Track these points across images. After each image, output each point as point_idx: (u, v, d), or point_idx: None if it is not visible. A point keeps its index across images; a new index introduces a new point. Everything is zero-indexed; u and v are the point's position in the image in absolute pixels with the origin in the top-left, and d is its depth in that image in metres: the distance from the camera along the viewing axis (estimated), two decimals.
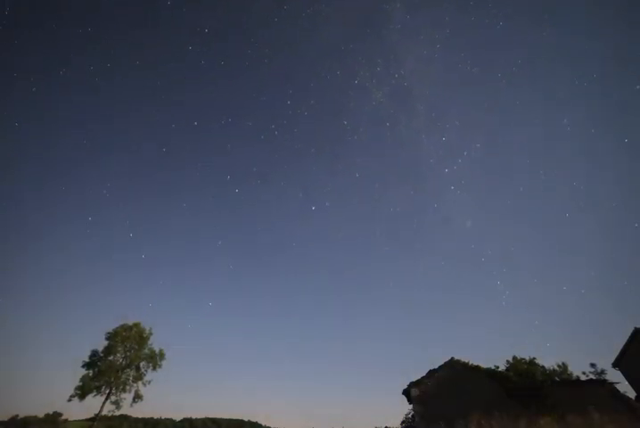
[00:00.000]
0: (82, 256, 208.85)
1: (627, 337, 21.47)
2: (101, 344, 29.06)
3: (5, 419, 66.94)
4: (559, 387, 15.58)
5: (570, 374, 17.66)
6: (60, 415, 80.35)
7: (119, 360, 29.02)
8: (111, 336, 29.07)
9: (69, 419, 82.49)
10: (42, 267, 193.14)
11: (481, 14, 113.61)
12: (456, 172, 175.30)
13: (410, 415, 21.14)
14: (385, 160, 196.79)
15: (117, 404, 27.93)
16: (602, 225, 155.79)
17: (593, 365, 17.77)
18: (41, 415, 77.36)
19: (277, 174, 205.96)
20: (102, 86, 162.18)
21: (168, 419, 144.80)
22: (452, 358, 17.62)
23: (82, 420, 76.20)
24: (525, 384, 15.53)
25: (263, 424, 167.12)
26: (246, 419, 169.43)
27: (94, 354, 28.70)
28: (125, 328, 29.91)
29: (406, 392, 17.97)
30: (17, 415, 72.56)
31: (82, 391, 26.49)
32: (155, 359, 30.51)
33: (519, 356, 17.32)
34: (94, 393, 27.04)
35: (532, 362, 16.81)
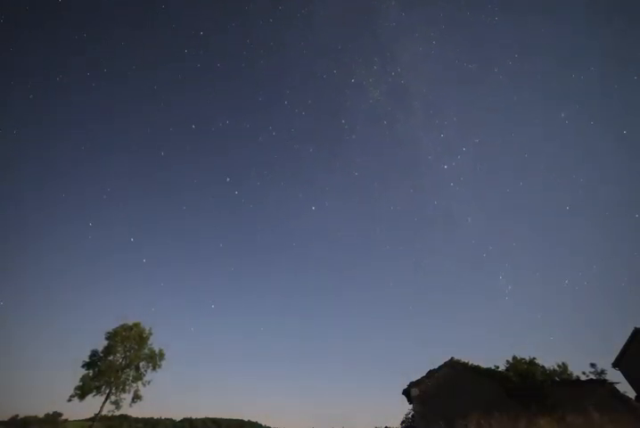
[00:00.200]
0: (82, 256, 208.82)
1: (627, 337, 21.49)
2: (101, 344, 29.14)
3: (5, 419, 66.95)
4: (559, 387, 15.57)
5: (570, 374, 17.62)
6: (60, 415, 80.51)
7: (119, 360, 29.04)
8: (111, 336, 29.08)
9: (69, 419, 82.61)
10: (42, 267, 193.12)
11: (476, 9, 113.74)
12: (455, 168, 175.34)
13: (410, 415, 21.13)
14: (384, 158, 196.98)
15: (117, 404, 27.97)
16: (602, 219, 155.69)
17: (593, 365, 17.74)
18: (41, 415, 77.48)
19: (276, 174, 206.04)
20: (102, 87, 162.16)
21: (168, 419, 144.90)
22: (452, 358, 17.61)
23: (82, 420, 76.26)
24: (525, 384, 15.51)
25: (263, 424, 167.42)
26: (246, 419, 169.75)
27: (94, 354, 28.71)
28: (125, 328, 29.93)
29: (406, 392, 17.96)
30: (17, 415, 72.57)
31: (82, 391, 26.49)
32: (155, 359, 30.54)
33: (519, 356, 17.28)
34: (94, 393, 27.05)
35: (532, 362, 16.78)
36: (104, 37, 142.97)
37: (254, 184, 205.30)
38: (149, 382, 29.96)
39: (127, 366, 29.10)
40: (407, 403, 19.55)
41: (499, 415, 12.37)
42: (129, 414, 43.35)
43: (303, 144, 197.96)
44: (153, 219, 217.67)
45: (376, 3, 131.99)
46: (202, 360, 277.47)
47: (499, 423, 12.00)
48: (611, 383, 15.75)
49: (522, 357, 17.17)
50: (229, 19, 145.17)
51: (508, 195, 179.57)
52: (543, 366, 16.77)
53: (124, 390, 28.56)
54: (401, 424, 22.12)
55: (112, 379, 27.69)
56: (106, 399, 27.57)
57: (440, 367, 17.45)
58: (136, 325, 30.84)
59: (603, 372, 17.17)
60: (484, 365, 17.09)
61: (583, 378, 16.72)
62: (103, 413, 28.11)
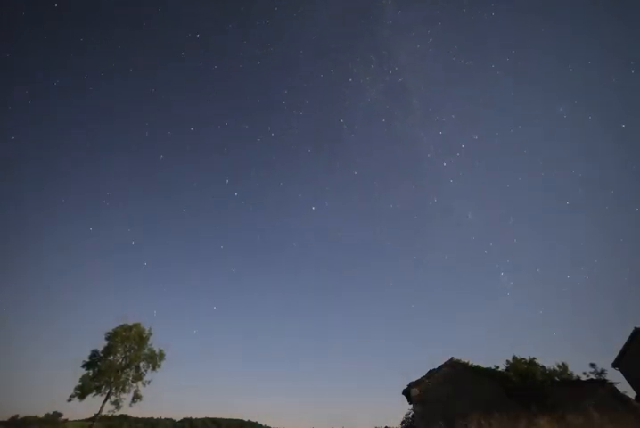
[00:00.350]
0: (82, 256, 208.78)
1: (627, 337, 21.50)
2: (101, 344, 29.11)
3: (5, 419, 66.98)
4: (559, 387, 15.58)
5: (570, 374, 17.62)
6: (60, 415, 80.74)
7: (119, 360, 29.04)
8: (111, 336, 29.08)
9: (69, 419, 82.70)
10: (42, 267, 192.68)
11: (473, 6, 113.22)
12: (455, 165, 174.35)
13: (410, 415, 21.13)
14: (383, 156, 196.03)
15: (116, 404, 27.95)
16: (602, 213, 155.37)
17: (593, 365, 17.73)
18: (41, 415, 77.65)
19: (276, 175, 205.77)
20: (102, 87, 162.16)
21: (168, 419, 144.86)
22: (452, 358, 17.62)
23: (82, 420, 76.28)
24: (525, 384, 15.52)
25: (263, 424, 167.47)
26: (246, 419, 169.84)
27: (94, 354, 28.71)
28: (125, 328, 29.93)
29: (406, 392, 17.97)
30: (17, 415, 72.69)
31: (82, 391, 26.49)
32: (155, 360, 30.54)
33: (519, 356, 17.29)
34: (94, 393, 27.04)
35: (532, 362, 16.78)
36: (104, 38, 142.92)
37: (253, 185, 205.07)
38: (149, 382, 29.99)
39: (127, 366, 29.10)
40: (407, 403, 19.57)
41: (499, 415, 12.38)
42: (129, 414, 43.52)
43: (302, 145, 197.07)
44: (153, 220, 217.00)
45: (372, 1, 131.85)
46: (202, 360, 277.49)
47: (499, 423, 12.01)
48: (611, 383, 15.76)
49: (522, 357, 17.19)
50: (227, 19, 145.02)
51: (508, 191, 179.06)
52: (543, 366, 16.78)
53: (124, 390, 28.56)
54: (401, 424, 22.13)
55: (112, 379, 27.68)
56: (106, 399, 27.57)
57: (440, 367, 17.46)
58: (136, 325, 30.84)
59: (603, 372, 17.17)
60: (484, 365, 17.12)
61: (583, 378, 16.72)
62: (103, 413, 28.15)
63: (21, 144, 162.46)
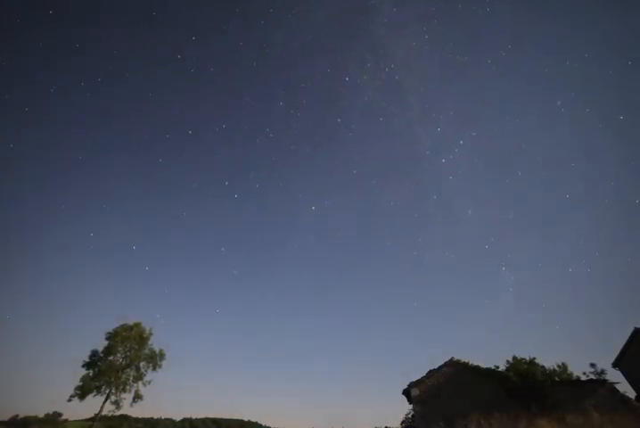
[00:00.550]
0: (82, 256, 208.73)
1: (627, 337, 21.50)
2: (101, 344, 29.11)
3: (5, 419, 66.92)
4: (559, 387, 15.58)
5: (570, 374, 17.59)
6: (60, 415, 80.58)
7: (119, 360, 29.03)
8: (111, 336, 29.07)
9: (69, 419, 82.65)
10: (42, 267, 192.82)
11: (468, 2, 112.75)
12: (454, 162, 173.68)
13: (410, 415, 21.16)
14: (381, 155, 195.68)
15: (117, 404, 27.95)
16: (601, 207, 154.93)
17: (593, 365, 17.70)
18: (41, 415, 77.33)
19: (275, 176, 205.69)
20: (102, 87, 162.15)
21: (168, 419, 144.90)
22: (452, 358, 17.64)
23: (82, 420, 76.30)
24: (525, 384, 15.52)
25: (263, 424, 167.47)
26: (246, 419, 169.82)
27: (94, 354, 28.70)
28: (125, 328, 29.92)
29: (406, 392, 17.99)
30: (17, 415, 72.52)
31: (82, 391, 26.48)
32: (155, 359, 30.54)
33: (519, 356, 17.27)
34: (94, 393, 27.03)
35: (532, 362, 16.77)
36: (104, 39, 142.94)
37: (253, 185, 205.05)
38: (149, 382, 29.99)
39: (128, 366, 29.09)
40: (407, 403, 19.59)
41: (499, 415, 12.38)
42: (129, 414, 43.43)
43: (300, 145, 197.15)
44: (154, 221, 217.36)
45: (367, 0, 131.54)
46: (202, 360, 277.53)
47: (499, 423, 12.01)
48: (611, 383, 15.77)
49: (522, 357, 17.16)
50: (224, 21, 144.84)
51: (507, 186, 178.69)
52: (543, 366, 16.76)
53: (124, 390, 28.55)
54: (401, 424, 22.16)
55: (112, 379, 27.68)
56: (106, 399, 27.56)
57: (440, 367, 17.47)
58: (137, 325, 30.83)
59: (603, 372, 17.14)
60: (484, 365, 17.13)
61: (583, 378, 16.70)
62: (103, 413, 28.14)
63: (21, 144, 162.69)
